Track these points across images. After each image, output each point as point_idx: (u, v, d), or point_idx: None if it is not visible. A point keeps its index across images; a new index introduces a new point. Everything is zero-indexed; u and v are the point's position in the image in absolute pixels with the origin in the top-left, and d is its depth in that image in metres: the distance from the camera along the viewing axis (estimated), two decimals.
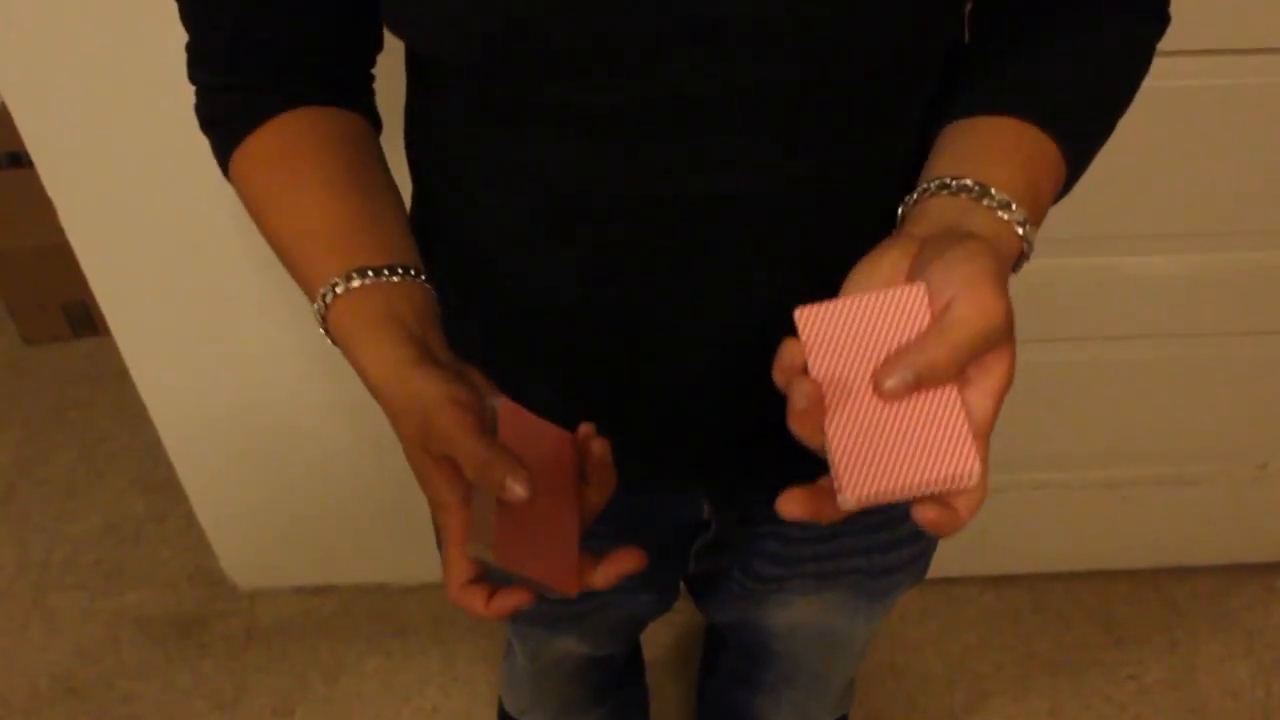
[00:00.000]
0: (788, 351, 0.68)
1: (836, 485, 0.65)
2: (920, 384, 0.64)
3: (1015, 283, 1.65)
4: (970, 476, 0.63)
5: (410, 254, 0.81)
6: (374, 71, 0.90)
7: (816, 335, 0.67)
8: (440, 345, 0.77)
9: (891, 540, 1.09)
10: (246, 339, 1.70)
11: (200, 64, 0.85)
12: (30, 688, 2.05)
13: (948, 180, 0.72)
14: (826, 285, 0.83)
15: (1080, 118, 0.79)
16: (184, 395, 1.79)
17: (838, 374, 0.66)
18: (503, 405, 0.72)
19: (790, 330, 0.87)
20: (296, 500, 1.98)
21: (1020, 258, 0.71)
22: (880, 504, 0.65)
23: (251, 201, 0.85)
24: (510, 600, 0.72)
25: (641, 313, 0.84)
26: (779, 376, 0.68)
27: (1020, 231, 0.70)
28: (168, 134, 1.41)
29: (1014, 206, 0.70)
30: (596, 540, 1.05)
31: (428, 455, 0.71)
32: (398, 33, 0.76)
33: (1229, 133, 1.45)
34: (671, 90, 0.71)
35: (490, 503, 0.69)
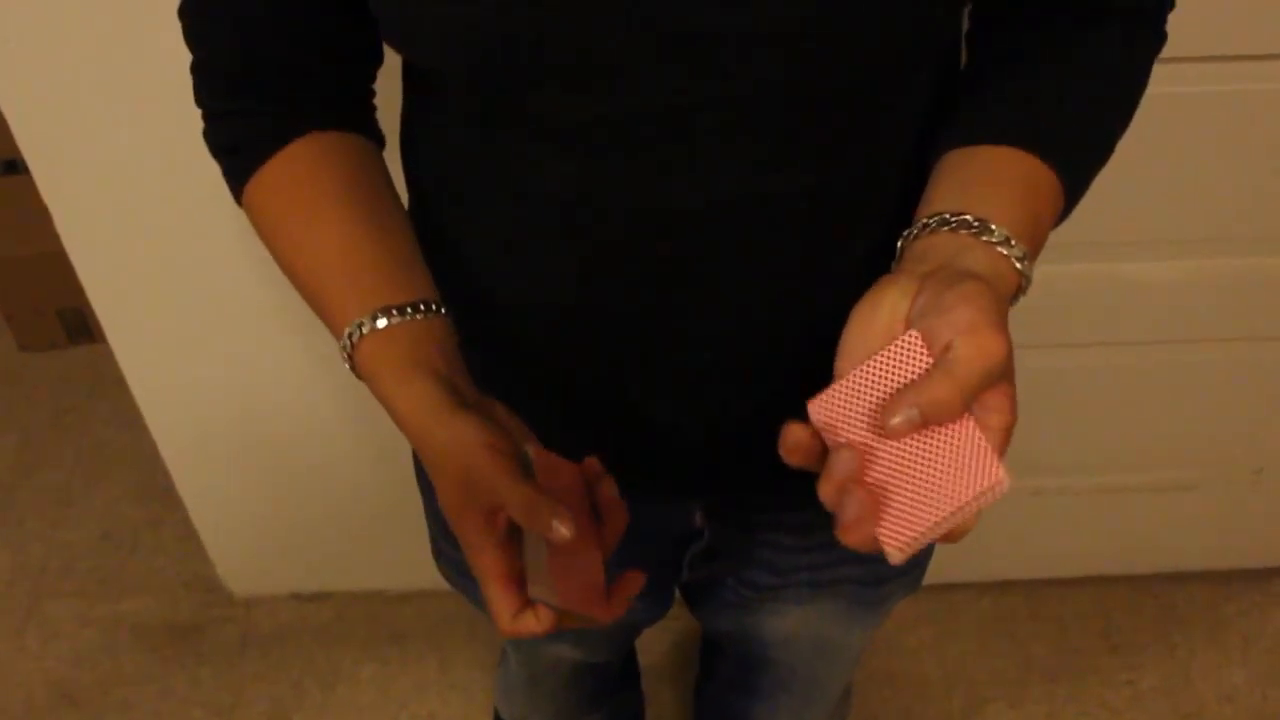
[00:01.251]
0: (791, 434, 0.68)
1: (882, 546, 0.65)
2: (926, 421, 0.64)
3: None
4: (1001, 485, 0.63)
5: (429, 287, 0.81)
6: (374, 87, 0.90)
7: (830, 418, 0.68)
8: (466, 383, 0.78)
9: None
10: (243, 346, 1.70)
11: (207, 88, 0.86)
12: (27, 695, 2.05)
13: (947, 216, 0.72)
14: (822, 294, 0.83)
15: (1079, 146, 0.79)
16: (180, 402, 1.79)
17: (857, 442, 0.66)
18: (534, 451, 0.74)
19: (784, 344, 0.87)
20: (293, 507, 1.98)
21: (1018, 291, 0.71)
22: (925, 544, 0.65)
23: (268, 233, 0.85)
24: (551, 611, 0.74)
25: (635, 322, 0.84)
26: (792, 458, 0.68)
27: (1019, 267, 0.70)
28: (164, 141, 1.41)
29: (1013, 242, 0.70)
30: None
31: (465, 501, 0.72)
32: (395, 45, 0.77)
33: (1223, 138, 1.45)
34: (664, 99, 0.71)
35: (541, 545, 0.71)
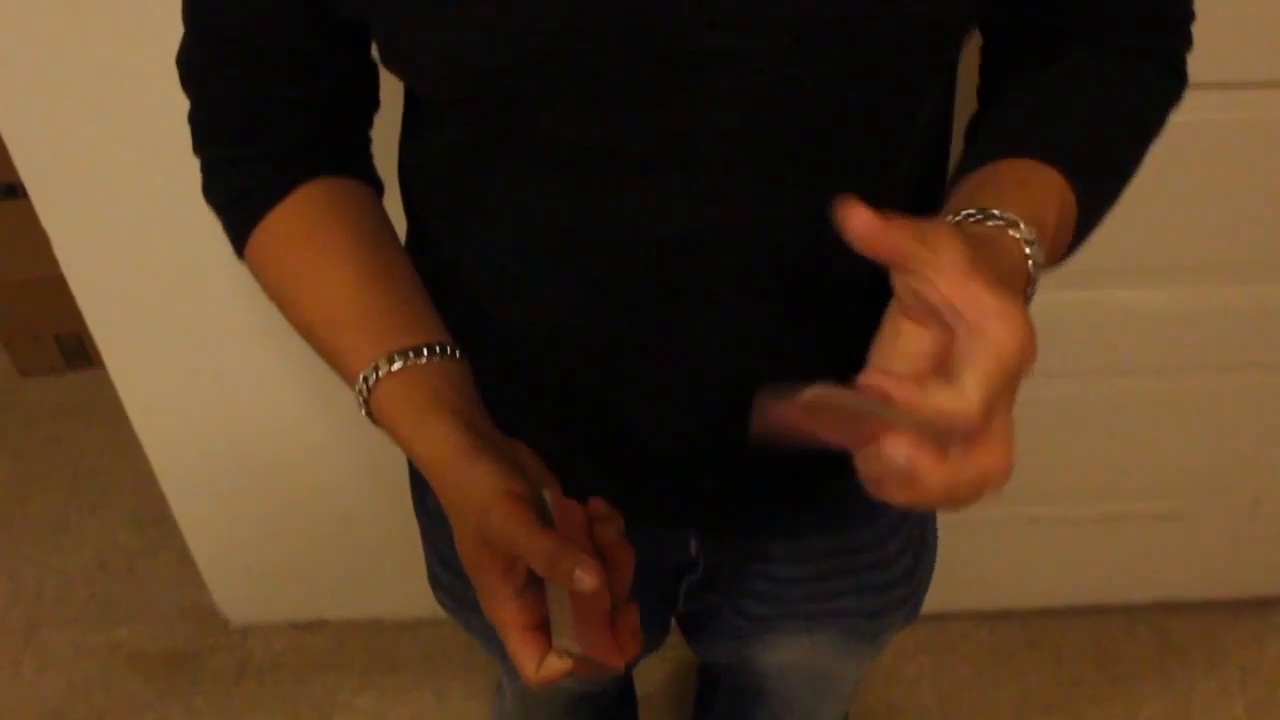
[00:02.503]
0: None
1: None
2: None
3: None
4: None
5: (442, 330, 0.81)
6: (372, 134, 0.90)
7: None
8: (486, 422, 0.77)
9: (882, 582, 1.08)
10: (241, 373, 1.70)
11: (207, 137, 0.86)
12: None
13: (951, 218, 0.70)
14: (822, 319, 0.83)
15: (1085, 154, 0.77)
16: (178, 429, 1.79)
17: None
18: (551, 497, 0.72)
19: (781, 369, 0.86)
20: (290, 535, 1.98)
21: (1028, 263, 0.68)
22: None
23: (273, 285, 0.85)
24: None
25: (632, 346, 0.84)
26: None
27: (1015, 234, 0.67)
28: (163, 167, 1.41)
29: (997, 213, 0.68)
30: None
31: (483, 550, 0.71)
32: (394, 70, 0.77)
33: (1219, 166, 1.46)
34: (656, 125, 0.72)
35: (565, 596, 0.70)
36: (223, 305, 1.60)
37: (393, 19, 0.72)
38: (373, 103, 0.89)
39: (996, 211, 0.68)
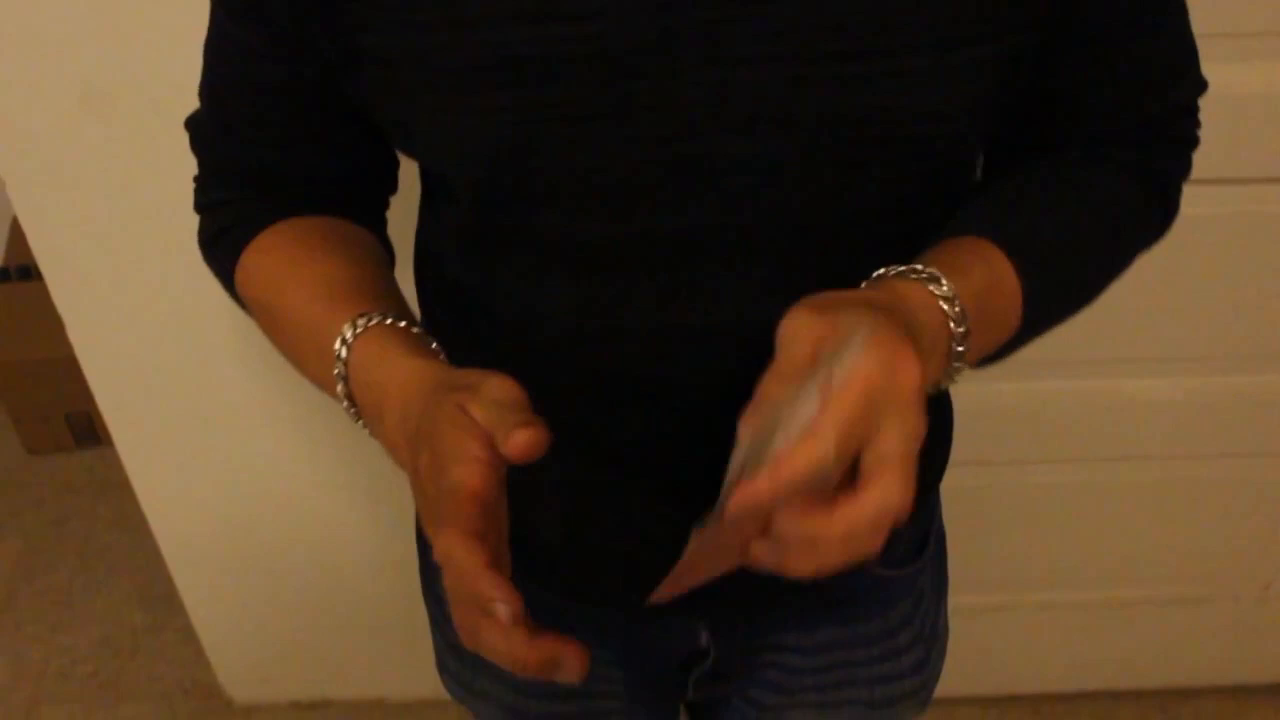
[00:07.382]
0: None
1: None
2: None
3: (1019, 404, 1.65)
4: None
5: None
6: (386, 215, 0.91)
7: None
8: None
9: (893, 673, 1.08)
10: (248, 453, 1.71)
11: (210, 185, 0.87)
12: None
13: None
14: None
15: (1040, 245, 0.77)
16: (184, 508, 1.79)
17: None
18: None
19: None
20: (295, 614, 1.97)
21: (951, 323, 0.68)
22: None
23: (260, 292, 0.84)
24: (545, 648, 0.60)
25: (637, 441, 0.84)
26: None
27: (935, 291, 0.67)
28: (175, 250, 1.43)
29: (920, 268, 0.68)
30: (594, 664, 1.04)
31: (458, 412, 0.63)
32: (408, 150, 0.78)
33: (1226, 259, 1.47)
34: (667, 224, 0.72)
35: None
36: (232, 387, 1.61)
37: (409, 101, 0.72)
38: (388, 185, 0.90)
39: (919, 266, 0.69)
